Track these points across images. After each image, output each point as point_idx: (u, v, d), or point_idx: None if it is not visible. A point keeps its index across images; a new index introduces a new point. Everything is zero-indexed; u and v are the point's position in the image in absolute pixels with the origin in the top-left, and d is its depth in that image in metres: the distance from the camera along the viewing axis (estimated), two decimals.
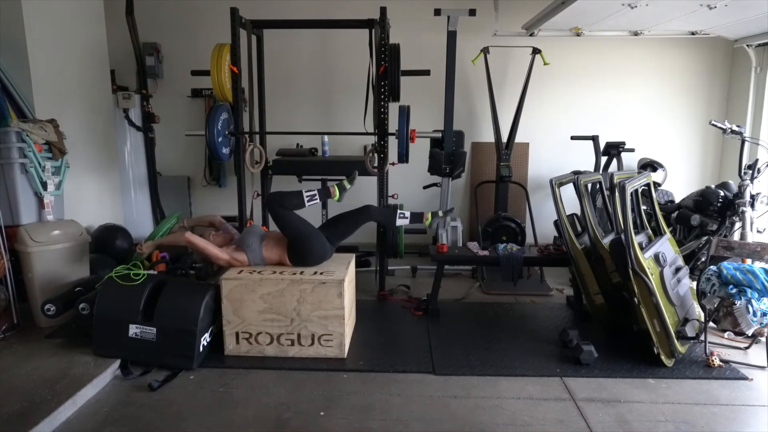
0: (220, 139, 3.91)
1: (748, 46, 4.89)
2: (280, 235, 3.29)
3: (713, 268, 3.17)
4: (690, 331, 2.96)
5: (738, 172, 3.85)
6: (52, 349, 2.99)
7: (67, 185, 3.75)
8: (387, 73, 3.89)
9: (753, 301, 2.94)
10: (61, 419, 2.38)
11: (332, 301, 2.96)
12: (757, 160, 3.79)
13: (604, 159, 4.98)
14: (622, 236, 2.95)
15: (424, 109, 5.08)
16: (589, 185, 4.16)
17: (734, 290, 3.01)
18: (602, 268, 3.36)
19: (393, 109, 4.03)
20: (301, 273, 3.05)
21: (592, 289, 3.40)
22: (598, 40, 5.22)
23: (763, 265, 3.18)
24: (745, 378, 2.84)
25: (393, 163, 4.17)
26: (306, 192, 3.24)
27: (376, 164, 4.07)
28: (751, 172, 3.76)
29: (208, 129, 3.81)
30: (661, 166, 4.93)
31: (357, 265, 3.91)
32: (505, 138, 4.89)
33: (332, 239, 3.32)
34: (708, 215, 3.96)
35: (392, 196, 4.46)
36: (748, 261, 3.36)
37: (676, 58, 5.36)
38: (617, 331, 3.30)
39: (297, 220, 3.22)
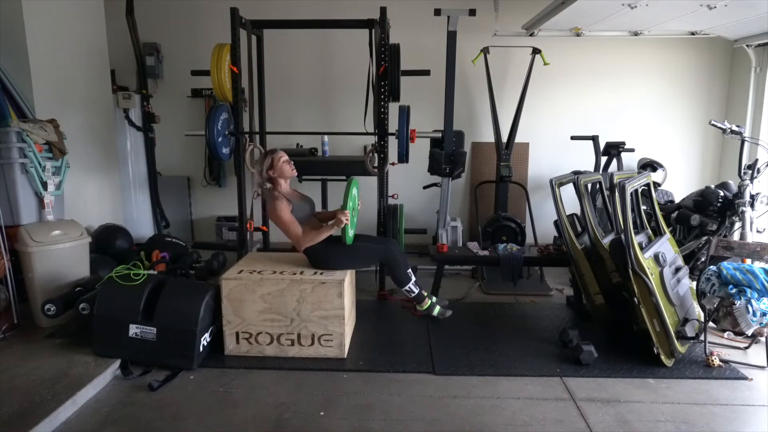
0: (220, 139, 3.91)
1: (748, 46, 4.88)
2: (315, 223, 3.32)
3: (713, 268, 3.16)
4: (690, 331, 2.96)
5: (738, 172, 3.85)
6: (52, 349, 2.99)
7: (67, 185, 3.75)
8: (387, 73, 3.88)
9: (753, 301, 2.94)
10: (61, 419, 2.38)
11: (332, 301, 2.96)
12: (756, 160, 3.79)
13: (604, 159, 4.97)
14: (622, 236, 2.95)
15: (424, 109, 5.08)
16: (589, 185, 4.16)
17: (734, 290, 3.01)
18: (602, 268, 3.36)
19: (393, 109, 4.03)
20: (301, 273, 3.06)
21: (592, 289, 3.39)
22: (598, 40, 5.21)
23: (763, 265, 3.18)
24: (744, 378, 2.84)
25: (393, 163, 4.16)
26: (413, 280, 3.38)
27: (376, 164, 4.07)
28: (750, 172, 3.76)
29: (208, 129, 3.81)
30: (661, 166, 4.93)
31: None
32: (505, 138, 4.89)
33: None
34: (708, 215, 3.95)
35: (392, 196, 4.46)
36: (748, 261, 3.36)
37: (676, 58, 5.35)
38: (617, 331, 3.30)
39: (365, 260, 3.38)
